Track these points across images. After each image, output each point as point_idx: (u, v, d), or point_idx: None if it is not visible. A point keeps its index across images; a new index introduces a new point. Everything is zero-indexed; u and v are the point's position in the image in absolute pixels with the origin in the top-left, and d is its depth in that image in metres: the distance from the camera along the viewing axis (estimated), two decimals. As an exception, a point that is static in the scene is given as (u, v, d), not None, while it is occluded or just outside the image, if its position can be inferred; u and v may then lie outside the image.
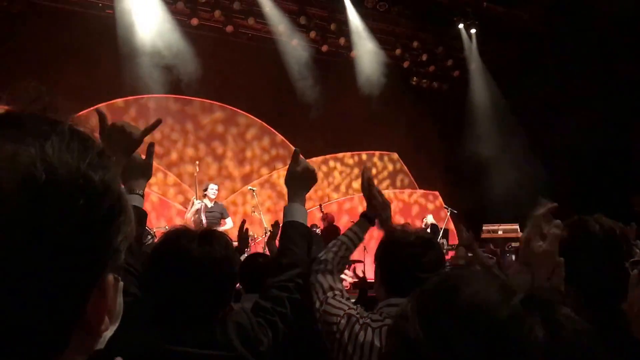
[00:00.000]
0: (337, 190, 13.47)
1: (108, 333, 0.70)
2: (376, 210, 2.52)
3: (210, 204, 9.49)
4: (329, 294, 2.21)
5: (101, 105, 10.91)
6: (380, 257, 2.21)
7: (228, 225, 9.53)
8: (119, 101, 11.27)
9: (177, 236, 1.79)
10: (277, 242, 4.54)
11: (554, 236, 1.40)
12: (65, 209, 0.61)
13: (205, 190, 9.58)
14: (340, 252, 2.39)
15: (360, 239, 2.49)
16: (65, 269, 0.61)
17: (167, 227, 10.27)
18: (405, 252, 2.10)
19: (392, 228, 2.55)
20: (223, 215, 9.60)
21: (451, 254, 10.88)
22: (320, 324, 2.19)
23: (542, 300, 0.78)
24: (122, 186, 0.75)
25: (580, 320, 0.78)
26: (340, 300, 2.19)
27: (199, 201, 9.51)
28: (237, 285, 4.29)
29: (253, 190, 10.66)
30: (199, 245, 1.74)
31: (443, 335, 0.77)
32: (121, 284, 0.73)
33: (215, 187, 9.74)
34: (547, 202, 1.43)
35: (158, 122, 2.05)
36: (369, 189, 2.55)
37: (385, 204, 2.59)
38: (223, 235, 1.88)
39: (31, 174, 0.59)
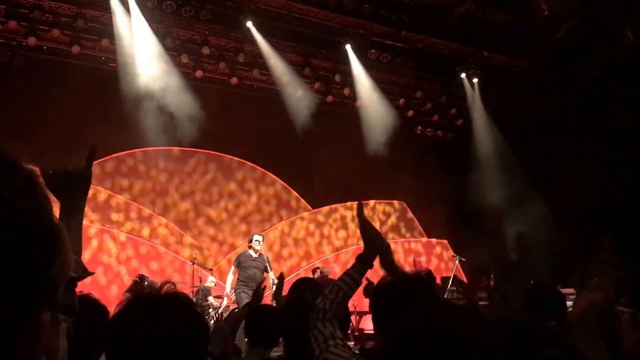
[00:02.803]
0: (346, 239, 13.31)
1: None
2: (374, 251, 2.41)
3: (254, 255, 9.36)
4: (330, 342, 2.15)
5: (98, 161, 11.02)
6: (372, 304, 2.14)
7: (272, 279, 9.32)
8: (122, 154, 11.31)
9: (133, 306, 1.62)
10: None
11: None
12: None
13: (250, 241, 9.48)
14: (337, 298, 2.28)
15: (358, 283, 2.37)
16: None
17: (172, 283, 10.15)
18: (394, 296, 2.01)
19: (395, 270, 2.44)
20: (267, 269, 9.33)
21: (461, 303, 10.70)
22: None
23: (518, 334, 0.75)
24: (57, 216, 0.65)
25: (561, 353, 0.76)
26: (343, 350, 2.13)
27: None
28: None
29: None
30: (155, 317, 1.55)
31: None
32: (64, 325, 0.66)
33: (261, 237, 9.63)
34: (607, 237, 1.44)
35: (94, 149, 1.94)
36: (363, 229, 2.44)
37: (384, 245, 2.48)
38: (184, 302, 1.66)
39: None
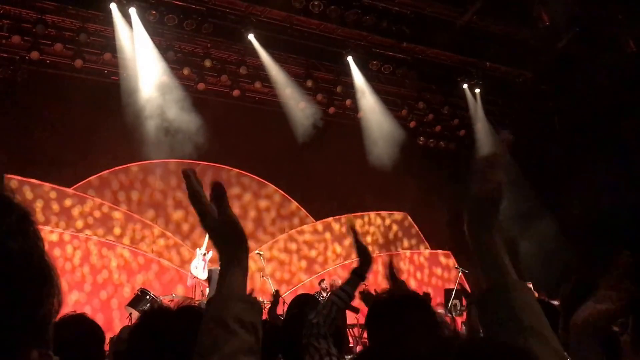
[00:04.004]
0: (349, 250, 13.26)
1: None
2: (368, 264, 2.44)
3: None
4: (326, 359, 2.14)
5: (106, 172, 11.05)
6: (366, 321, 2.10)
7: None
8: (124, 166, 11.32)
9: (152, 318, 1.68)
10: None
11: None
12: None
13: None
14: (331, 313, 2.30)
15: (351, 297, 2.40)
16: None
17: (174, 296, 10.16)
18: (385, 314, 1.98)
19: (396, 283, 2.44)
20: None
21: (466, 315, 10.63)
22: None
23: (479, 354, 0.76)
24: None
25: None
26: None
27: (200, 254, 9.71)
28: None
29: (260, 254, 10.49)
30: (175, 326, 1.60)
31: None
32: (56, 359, 0.65)
33: None
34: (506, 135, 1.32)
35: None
36: (357, 243, 2.49)
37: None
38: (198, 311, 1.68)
39: None
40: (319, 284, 10.78)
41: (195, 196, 1.30)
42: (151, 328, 1.62)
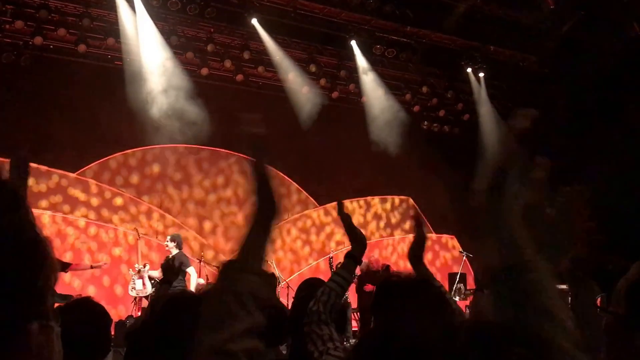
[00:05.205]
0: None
1: None
2: (361, 247, 2.42)
3: (170, 256, 9.24)
4: (329, 344, 2.15)
5: (109, 158, 11.07)
6: (372, 304, 2.09)
7: (192, 276, 9.10)
8: (127, 152, 11.34)
9: (179, 303, 1.73)
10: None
11: (562, 203, 1.22)
12: None
13: None
14: (330, 300, 2.30)
15: (349, 282, 2.39)
16: None
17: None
18: (393, 296, 1.97)
19: (418, 266, 2.37)
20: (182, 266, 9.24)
21: (470, 299, 10.68)
22: None
23: (487, 338, 0.75)
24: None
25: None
26: (343, 352, 2.13)
27: (134, 272, 9.36)
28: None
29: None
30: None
31: None
32: (57, 329, 0.65)
33: (168, 237, 9.38)
34: (542, 161, 1.21)
35: (22, 154, 1.73)
36: (347, 225, 2.44)
37: (421, 238, 2.40)
38: None
39: None
40: (330, 267, 10.76)
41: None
42: (177, 312, 1.61)
